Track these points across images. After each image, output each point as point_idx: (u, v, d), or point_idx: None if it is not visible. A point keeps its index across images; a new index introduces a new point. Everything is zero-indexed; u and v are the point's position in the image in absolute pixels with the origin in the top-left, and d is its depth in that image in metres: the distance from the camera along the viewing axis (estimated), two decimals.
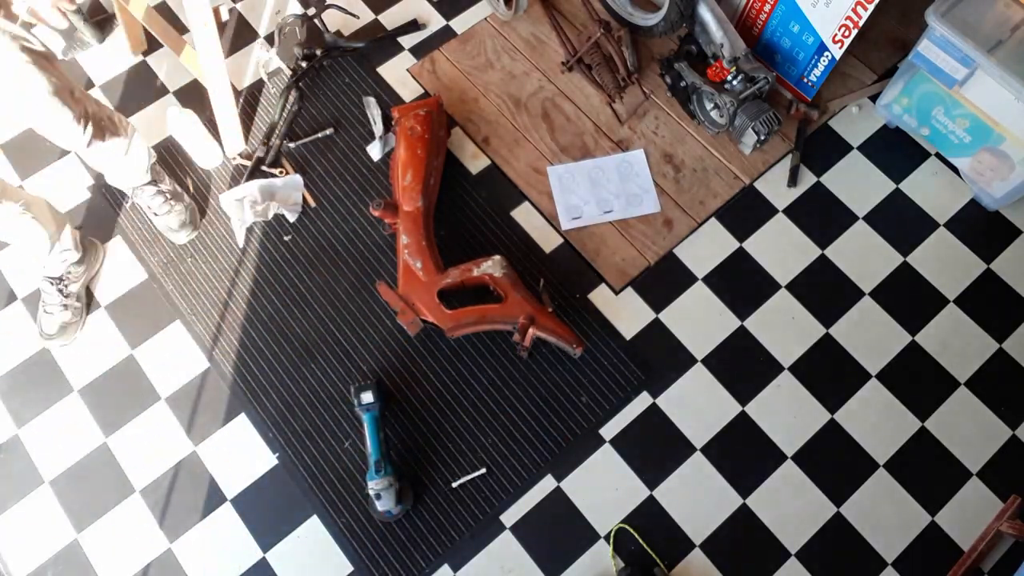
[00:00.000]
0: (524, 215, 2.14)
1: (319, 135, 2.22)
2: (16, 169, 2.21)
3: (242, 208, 2.08)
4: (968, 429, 1.92)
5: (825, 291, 2.06)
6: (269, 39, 2.39)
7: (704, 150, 2.21)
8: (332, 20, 2.38)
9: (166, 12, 2.43)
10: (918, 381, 1.97)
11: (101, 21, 2.37)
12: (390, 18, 2.41)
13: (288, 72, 2.31)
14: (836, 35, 2.01)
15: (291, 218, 2.12)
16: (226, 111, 2.10)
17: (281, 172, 2.17)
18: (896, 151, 2.23)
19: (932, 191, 2.18)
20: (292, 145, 2.21)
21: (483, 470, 1.86)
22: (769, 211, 2.15)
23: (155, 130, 2.25)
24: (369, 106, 2.24)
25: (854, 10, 1.92)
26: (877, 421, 1.93)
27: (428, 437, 1.90)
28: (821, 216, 2.14)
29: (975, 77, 1.87)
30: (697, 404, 1.93)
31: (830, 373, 1.97)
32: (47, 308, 1.95)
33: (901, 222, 2.14)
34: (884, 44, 2.37)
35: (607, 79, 2.24)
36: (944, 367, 1.98)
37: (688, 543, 1.81)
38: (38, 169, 2.21)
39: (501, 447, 1.89)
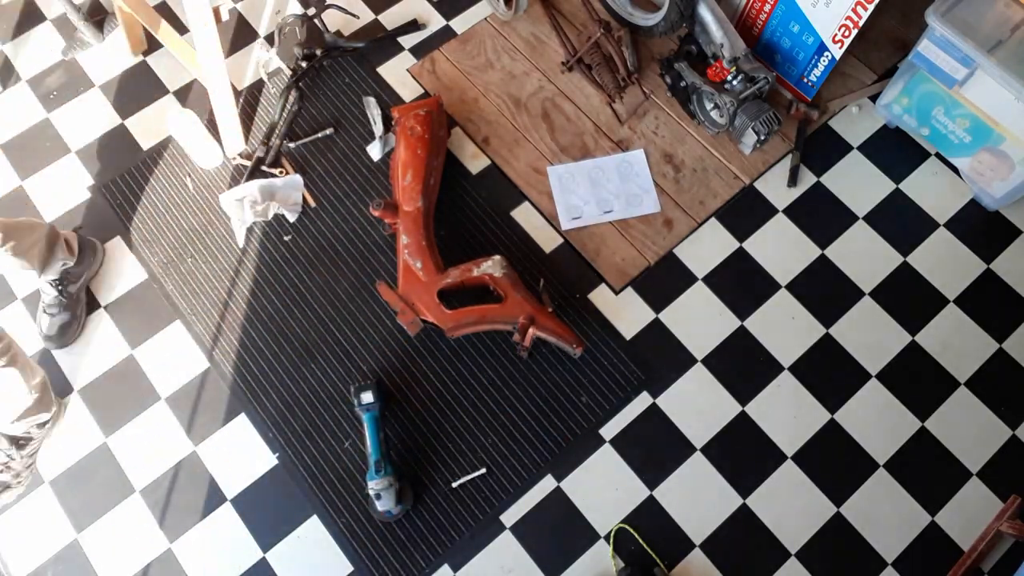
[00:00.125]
0: (524, 215, 2.14)
1: (319, 135, 2.22)
2: (16, 169, 2.21)
3: (242, 208, 2.08)
4: (968, 429, 1.92)
5: (825, 291, 2.06)
6: (269, 39, 2.39)
7: (704, 150, 2.21)
8: (332, 20, 2.38)
9: (166, 12, 2.43)
10: (918, 381, 1.97)
11: (101, 21, 2.37)
12: (390, 18, 2.41)
13: (288, 72, 2.31)
14: (836, 35, 2.01)
15: (291, 218, 2.12)
16: (226, 111, 2.10)
17: (281, 172, 2.17)
18: (896, 151, 2.23)
19: (932, 191, 2.18)
20: (292, 145, 2.21)
21: (483, 470, 1.86)
22: (769, 211, 2.15)
23: (155, 130, 2.25)
24: (369, 106, 2.24)
25: (854, 10, 1.92)
26: (877, 421, 1.93)
27: (428, 437, 1.90)
28: (821, 216, 2.14)
29: (975, 77, 1.87)
30: (697, 404, 1.93)
31: (830, 373, 1.97)
32: (47, 309, 1.95)
33: (901, 222, 2.14)
34: (884, 44, 2.37)
35: (607, 79, 2.24)
36: (944, 367, 1.98)
37: (688, 543, 1.81)
38: (38, 169, 2.21)
39: (501, 447, 1.89)
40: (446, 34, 2.39)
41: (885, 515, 1.84)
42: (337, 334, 2.00)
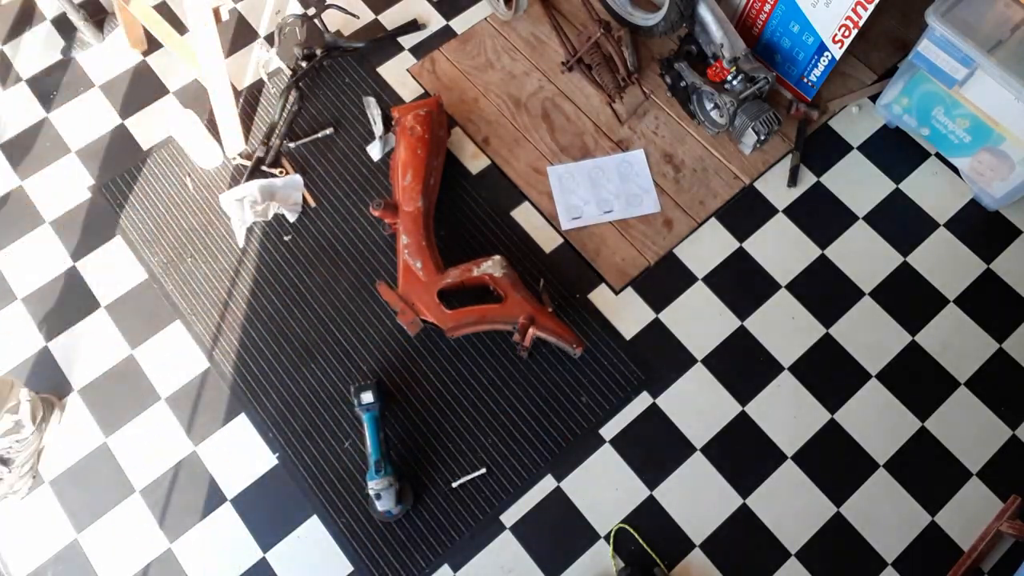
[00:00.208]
0: (524, 215, 2.14)
1: (319, 135, 2.22)
2: (16, 169, 2.21)
3: (242, 208, 2.08)
4: (968, 429, 1.92)
5: (825, 291, 2.06)
6: (269, 39, 2.39)
7: (704, 150, 2.21)
8: (332, 20, 2.38)
9: (166, 12, 2.43)
10: (918, 381, 1.97)
11: (101, 21, 2.37)
12: (390, 18, 2.41)
13: (288, 72, 2.31)
14: (836, 35, 2.01)
15: (291, 218, 2.12)
16: (226, 111, 2.10)
17: (281, 172, 2.17)
18: (896, 151, 2.23)
19: (932, 191, 2.18)
20: (292, 145, 2.21)
21: (483, 470, 1.86)
22: (769, 211, 2.15)
23: (155, 130, 2.25)
24: (369, 106, 2.24)
25: (854, 10, 1.92)
26: (877, 421, 1.93)
27: (428, 437, 1.90)
28: (821, 216, 2.14)
29: (975, 77, 1.87)
30: (697, 404, 1.93)
31: (830, 373, 1.97)
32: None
33: (901, 222, 2.14)
34: (884, 44, 2.37)
35: (607, 79, 2.24)
36: (944, 367, 1.98)
37: (688, 543, 1.81)
38: (38, 169, 2.21)
39: (501, 447, 1.89)
40: (446, 34, 2.39)
41: (885, 515, 1.84)
42: (337, 334, 2.00)
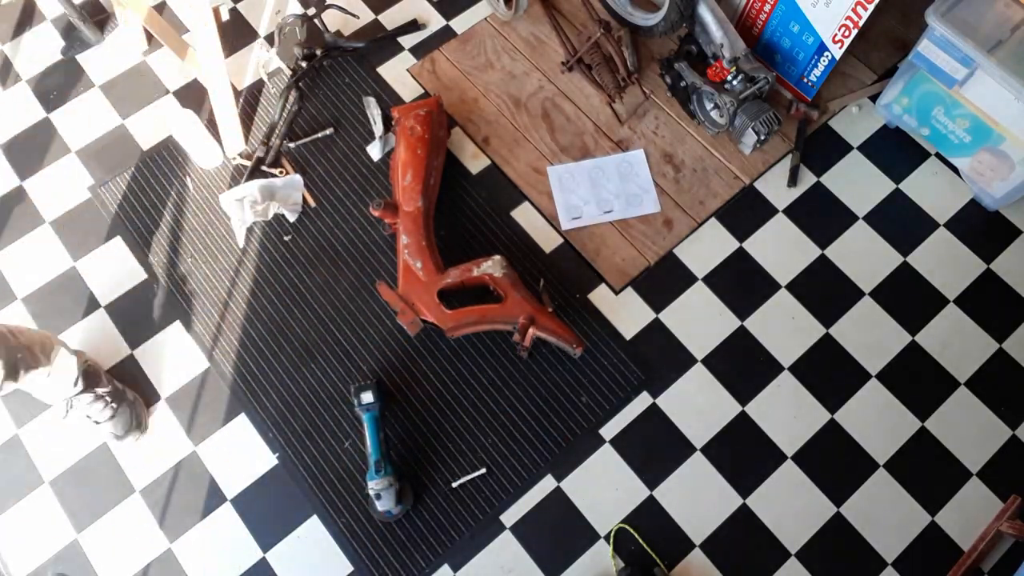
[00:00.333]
0: (524, 215, 2.14)
1: (319, 135, 2.22)
2: (16, 169, 2.21)
3: (242, 208, 2.08)
4: (968, 429, 1.92)
5: (825, 291, 2.06)
6: (269, 39, 2.39)
7: (704, 150, 2.21)
8: (332, 20, 2.38)
9: (166, 12, 2.43)
10: (918, 381, 1.97)
11: (101, 21, 2.37)
12: (390, 18, 2.41)
13: (288, 72, 2.31)
14: (836, 35, 2.01)
15: (291, 218, 2.12)
16: (226, 111, 2.10)
17: (281, 172, 2.17)
18: (896, 151, 2.23)
19: (932, 191, 2.18)
20: (292, 145, 2.21)
21: (483, 470, 1.86)
22: (769, 211, 2.15)
23: (155, 130, 2.26)
24: (369, 106, 2.24)
25: (854, 10, 1.92)
26: (877, 421, 1.93)
27: (428, 437, 1.90)
28: (821, 216, 2.14)
29: (975, 77, 1.87)
30: (697, 404, 1.93)
31: (830, 373, 1.97)
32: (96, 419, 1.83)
33: (901, 222, 2.14)
34: (884, 44, 2.37)
35: (607, 79, 2.24)
36: (944, 367, 1.98)
37: (688, 543, 1.81)
38: (38, 169, 2.21)
39: (501, 447, 1.89)
40: (446, 34, 2.39)
41: (885, 515, 1.84)
42: (337, 334, 2.00)
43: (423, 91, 2.30)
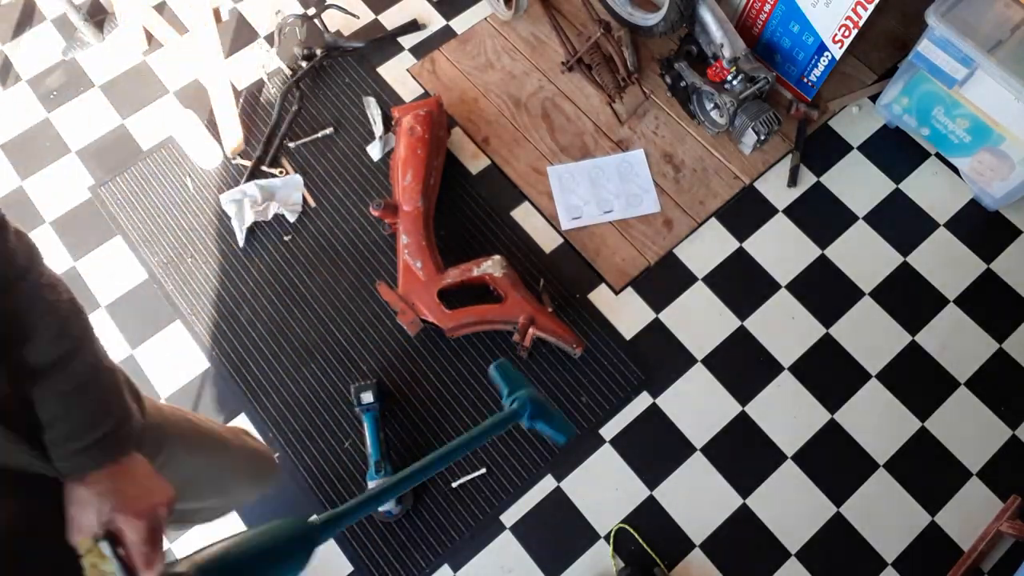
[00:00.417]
0: (524, 215, 2.14)
1: (319, 135, 2.22)
2: (16, 169, 2.21)
3: (242, 208, 2.08)
4: (968, 429, 1.92)
5: (825, 291, 2.06)
6: (269, 39, 2.39)
7: (704, 150, 2.21)
8: (332, 20, 2.38)
9: (166, 12, 2.43)
10: (918, 381, 1.97)
11: (101, 21, 2.37)
12: (390, 18, 2.41)
13: (288, 72, 2.31)
14: (836, 35, 2.01)
15: (291, 218, 2.12)
16: (226, 111, 2.10)
17: (281, 172, 2.17)
18: (896, 151, 2.23)
19: (932, 191, 2.18)
20: (292, 145, 2.21)
21: (483, 470, 1.86)
22: (769, 211, 2.15)
23: (155, 130, 2.25)
24: (369, 106, 2.24)
25: (854, 10, 1.92)
26: (877, 421, 1.93)
27: (428, 437, 1.90)
28: (821, 216, 2.14)
29: (975, 77, 1.87)
30: (697, 404, 1.93)
31: (830, 373, 1.97)
32: None
33: (901, 222, 2.14)
34: (884, 44, 2.37)
35: (607, 79, 2.24)
36: (944, 367, 1.98)
37: (688, 543, 1.81)
38: (38, 169, 2.21)
39: (501, 447, 1.89)
40: (446, 34, 2.39)
41: (885, 515, 1.84)
42: (337, 334, 2.00)
43: (423, 91, 2.30)
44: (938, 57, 1.90)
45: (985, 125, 1.96)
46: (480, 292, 1.94)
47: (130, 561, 0.83)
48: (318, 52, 2.28)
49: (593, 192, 2.15)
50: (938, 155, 2.21)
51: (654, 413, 1.93)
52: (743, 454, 1.89)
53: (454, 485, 1.85)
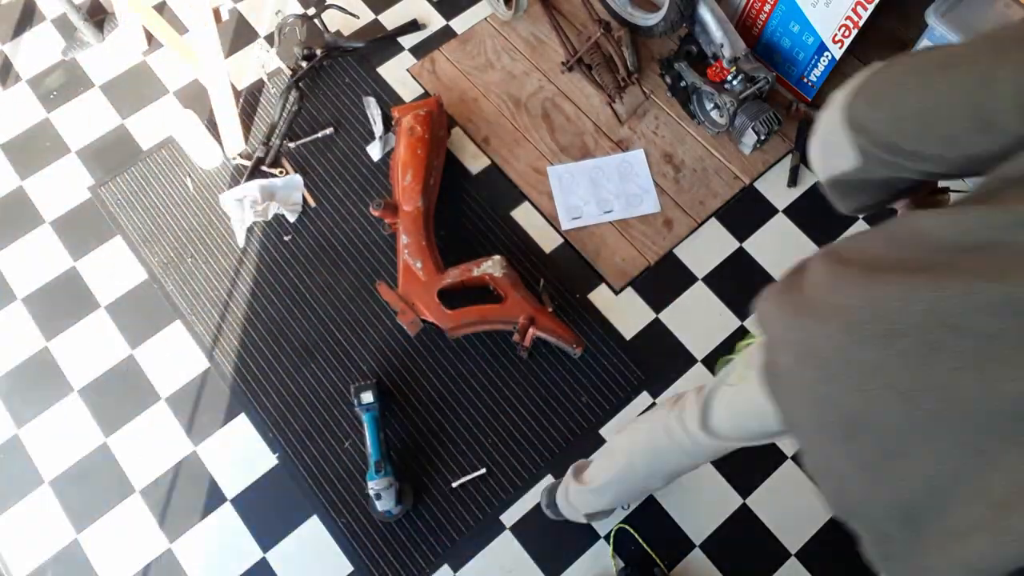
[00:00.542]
0: (524, 215, 2.14)
1: (319, 135, 2.22)
2: (16, 169, 2.21)
3: (242, 208, 2.08)
4: None
5: None
6: (269, 39, 2.39)
7: (704, 150, 2.21)
8: (332, 20, 2.38)
9: (166, 12, 2.43)
10: None
11: (101, 21, 2.37)
12: (390, 18, 2.41)
13: (288, 72, 2.31)
14: (836, 35, 2.01)
15: (291, 218, 2.12)
16: (226, 111, 2.10)
17: (281, 172, 2.17)
18: None
19: None
20: (292, 145, 2.21)
21: (483, 470, 1.86)
22: (769, 211, 2.15)
23: (155, 130, 2.26)
24: (369, 106, 2.24)
25: (854, 10, 1.92)
26: None
27: (428, 437, 1.90)
28: (821, 216, 2.14)
29: None
30: None
31: None
32: None
33: None
34: (884, 44, 2.37)
35: (607, 79, 2.24)
36: None
37: (688, 543, 1.81)
38: (38, 169, 2.21)
39: (501, 447, 1.89)
40: (446, 34, 2.39)
41: None
42: (337, 334, 2.00)
43: (423, 91, 2.30)
44: None
45: None
46: (480, 292, 1.94)
47: None
48: (318, 52, 2.28)
49: (593, 192, 2.15)
50: None
51: None
52: (743, 454, 1.89)
53: (454, 485, 1.85)
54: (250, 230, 2.12)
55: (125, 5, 2.14)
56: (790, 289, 0.86)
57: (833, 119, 0.87)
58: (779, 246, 2.11)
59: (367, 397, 1.82)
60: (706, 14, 2.06)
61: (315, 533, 1.82)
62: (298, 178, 2.16)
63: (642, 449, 1.37)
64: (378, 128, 2.21)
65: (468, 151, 2.22)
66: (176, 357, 1.99)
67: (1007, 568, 0.62)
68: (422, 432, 1.90)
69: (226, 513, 1.84)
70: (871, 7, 1.88)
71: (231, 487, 1.86)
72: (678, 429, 1.24)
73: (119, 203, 2.15)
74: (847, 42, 2.00)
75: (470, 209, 2.14)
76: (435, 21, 2.41)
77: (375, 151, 2.19)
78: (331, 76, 2.31)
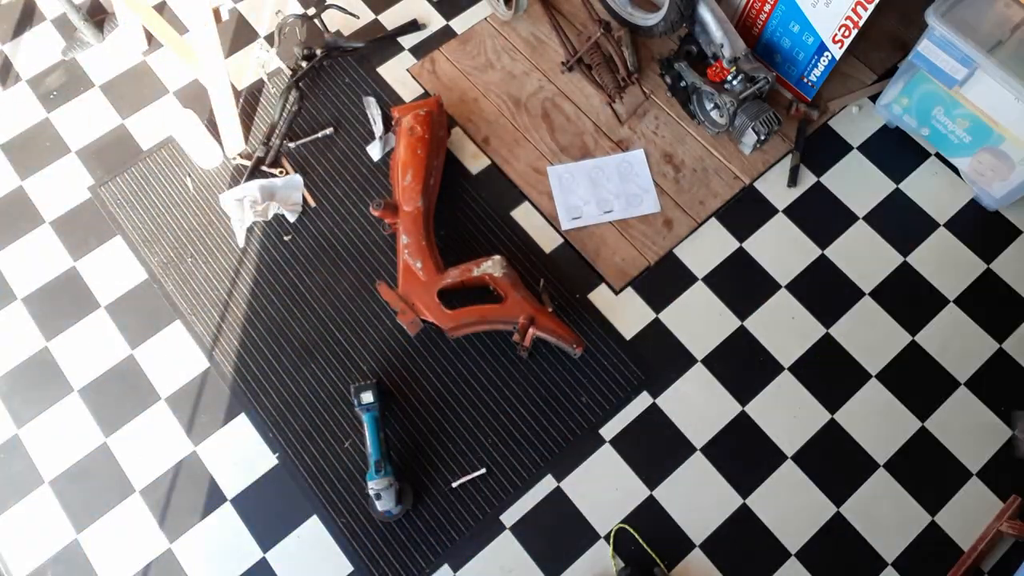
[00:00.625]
0: (524, 215, 2.14)
1: (319, 135, 2.22)
2: (16, 169, 2.21)
3: (242, 208, 2.08)
4: (968, 429, 1.92)
5: (825, 291, 2.06)
6: (269, 39, 2.39)
7: (704, 150, 2.21)
8: (332, 20, 2.38)
9: (166, 12, 2.43)
10: (918, 381, 1.97)
11: (101, 21, 2.37)
12: (390, 18, 2.41)
13: (288, 72, 2.31)
14: (836, 35, 2.01)
15: (291, 218, 2.12)
16: (226, 111, 2.10)
17: (281, 172, 2.17)
18: (896, 151, 2.23)
19: (932, 191, 2.18)
20: (292, 145, 2.21)
21: (483, 470, 1.86)
22: (769, 211, 2.15)
23: (155, 130, 2.26)
24: (369, 106, 2.24)
25: (854, 10, 1.92)
26: (877, 421, 1.93)
27: (428, 437, 1.90)
28: (821, 216, 2.14)
29: (975, 77, 1.87)
30: (697, 404, 1.93)
31: (830, 373, 1.97)
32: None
33: (901, 222, 2.14)
34: (884, 44, 2.37)
35: (607, 79, 2.24)
36: (944, 367, 1.98)
37: (688, 543, 1.81)
38: (38, 169, 2.21)
39: (501, 447, 1.89)
40: (446, 34, 2.39)
41: (885, 515, 1.84)
42: (337, 334, 2.00)
43: (423, 91, 2.30)
44: (938, 57, 1.90)
45: (985, 125, 1.96)
46: (480, 292, 1.94)
47: None
48: (318, 52, 2.28)
49: (593, 192, 2.15)
50: (938, 155, 2.21)
51: (654, 413, 1.93)
52: (743, 454, 1.89)
53: (454, 485, 1.85)
54: (250, 230, 2.12)
55: (125, 5, 2.13)
56: None
57: None
58: (779, 246, 2.11)
59: (367, 397, 1.82)
60: (706, 14, 2.06)
61: (315, 533, 1.82)
62: (298, 178, 2.16)
63: None
64: (378, 128, 2.21)
65: (468, 151, 2.22)
66: (176, 357, 1.99)
67: None
68: (422, 432, 1.90)
69: (226, 513, 1.84)
70: (871, 7, 1.88)
71: (231, 487, 1.87)
72: None
73: (119, 203, 2.15)
74: (847, 42, 2.00)
75: (470, 209, 2.14)
76: (435, 21, 2.41)
77: (375, 151, 2.19)
78: (331, 76, 2.31)
